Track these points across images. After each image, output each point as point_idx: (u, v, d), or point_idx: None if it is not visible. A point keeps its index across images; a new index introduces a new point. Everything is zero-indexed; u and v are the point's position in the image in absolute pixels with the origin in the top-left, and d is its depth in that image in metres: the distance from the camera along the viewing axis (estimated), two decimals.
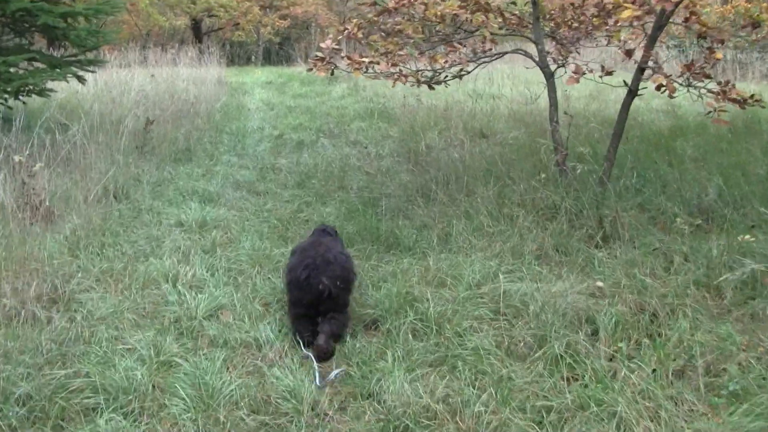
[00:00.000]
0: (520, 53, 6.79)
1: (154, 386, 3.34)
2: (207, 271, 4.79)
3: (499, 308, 4.04)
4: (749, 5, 9.11)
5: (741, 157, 7.16)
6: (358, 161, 8.62)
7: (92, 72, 9.45)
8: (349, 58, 5.53)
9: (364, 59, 5.54)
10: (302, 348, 3.74)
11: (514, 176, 6.74)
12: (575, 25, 7.35)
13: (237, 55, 29.84)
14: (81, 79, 8.95)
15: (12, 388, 3.18)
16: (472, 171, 6.93)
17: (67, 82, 9.18)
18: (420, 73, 6.01)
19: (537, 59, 6.61)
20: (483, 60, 6.52)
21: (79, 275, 4.57)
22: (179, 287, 4.43)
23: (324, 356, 3.68)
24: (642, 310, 3.98)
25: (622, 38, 7.67)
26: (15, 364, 3.37)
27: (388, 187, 7.06)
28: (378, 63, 5.88)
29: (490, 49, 6.85)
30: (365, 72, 5.65)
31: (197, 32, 30.19)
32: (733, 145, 8.39)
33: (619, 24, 7.03)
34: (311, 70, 6.00)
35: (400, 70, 5.75)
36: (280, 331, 3.95)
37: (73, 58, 8.85)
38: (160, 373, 3.46)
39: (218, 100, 13.26)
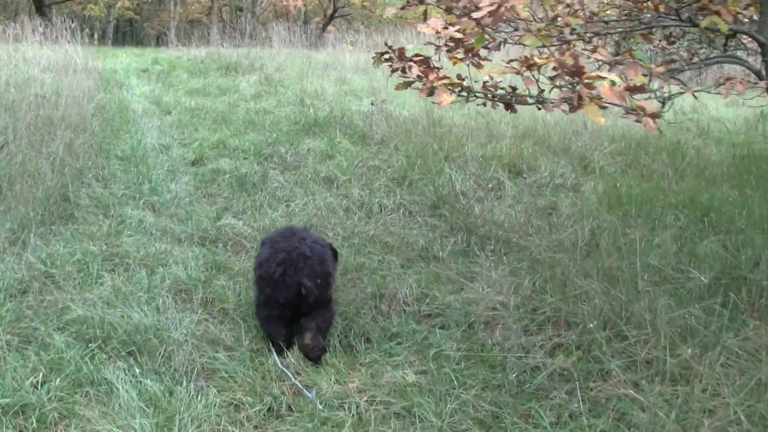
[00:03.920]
0: (734, 62, 3.77)
1: None
2: None
3: None
4: None
5: None
6: (365, 225, 5.27)
7: None
8: (574, 70, 2.19)
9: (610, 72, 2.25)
10: (276, 358, 3.20)
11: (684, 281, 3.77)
12: None
13: (85, 33, 25.07)
14: None
15: None
16: (611, 267, 3.86)
17: None
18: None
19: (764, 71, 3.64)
20: (694, 65, 3.49)
21: None
22: None
23: (315, 353, 3.25)
24: None
25: None
26: None
27: (484, 307, 3.83)
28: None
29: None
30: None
31: (38, 3, 24.98)
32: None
33: None
34: (408, 86, 2.67)
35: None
36: None
37: None
38: None
39: (91, 98, 9.20)
